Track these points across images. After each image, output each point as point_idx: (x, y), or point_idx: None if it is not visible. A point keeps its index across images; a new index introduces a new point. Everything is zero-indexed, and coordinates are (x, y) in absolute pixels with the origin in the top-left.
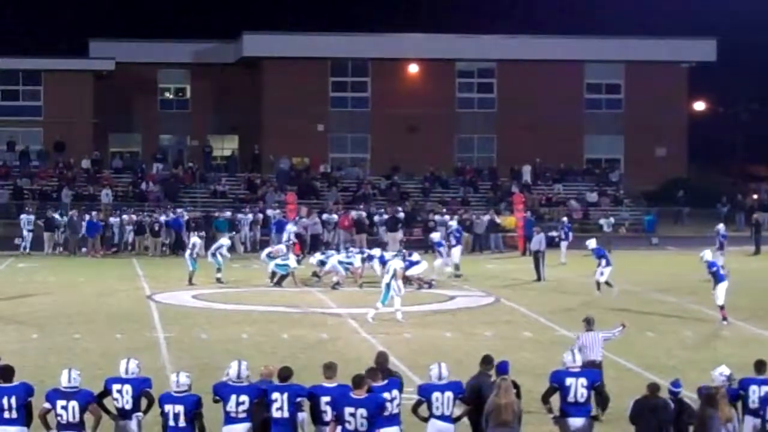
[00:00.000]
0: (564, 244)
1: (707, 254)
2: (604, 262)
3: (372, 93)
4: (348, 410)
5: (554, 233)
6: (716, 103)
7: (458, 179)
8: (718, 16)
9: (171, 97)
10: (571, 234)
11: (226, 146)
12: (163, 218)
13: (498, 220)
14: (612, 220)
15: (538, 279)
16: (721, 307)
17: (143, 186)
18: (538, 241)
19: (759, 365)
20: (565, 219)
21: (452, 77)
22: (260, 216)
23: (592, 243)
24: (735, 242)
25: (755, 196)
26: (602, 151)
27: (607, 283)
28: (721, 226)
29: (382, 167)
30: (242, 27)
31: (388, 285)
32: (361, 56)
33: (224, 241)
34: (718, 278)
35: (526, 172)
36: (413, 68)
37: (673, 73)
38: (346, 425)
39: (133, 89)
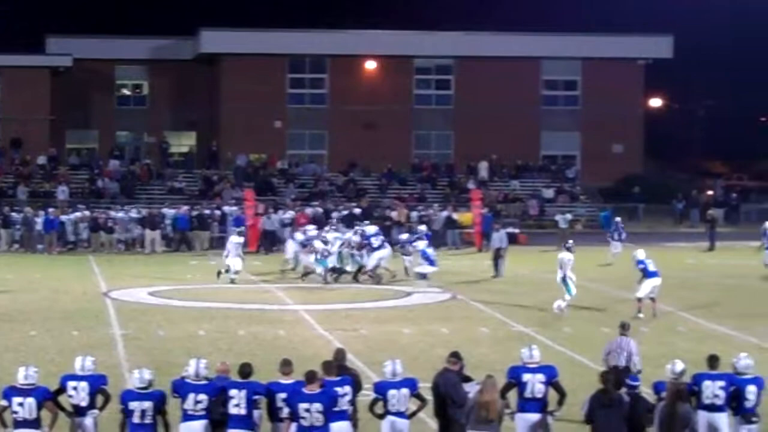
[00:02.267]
0: (618, 244)
1: (640, 254)
2: (427, 263)
3: (330, 89)
4: (302, 406)
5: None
6: (672, 99)
7: (415, 175)
8: (674, 12)
9: (128, 93)
10: (624, 233)
11: (183, 143)
12: (120, 215)
13: (455, 216)
14: (568, 216)
15: (496, 275)
16: (639, 299)
17: (100, 183)
18: (499, 238)
19: (712, 360)
20: (618, 219)
21: (410, 74)
22: (217, 213)
23: (421, 245)
24: (690, 238)
25: (710, 193)
26: (559, 147)
27: (419, 274)
28: None
29: (339, 164)
30: (200, 23)
31: (564, 278)
32: (319, 53)
33: (235, 238)
34: (647, 274)
35: (483, 168)
36: (371, 65)
37: (629, 69)
38: (301, 421)
39: (90, 86)
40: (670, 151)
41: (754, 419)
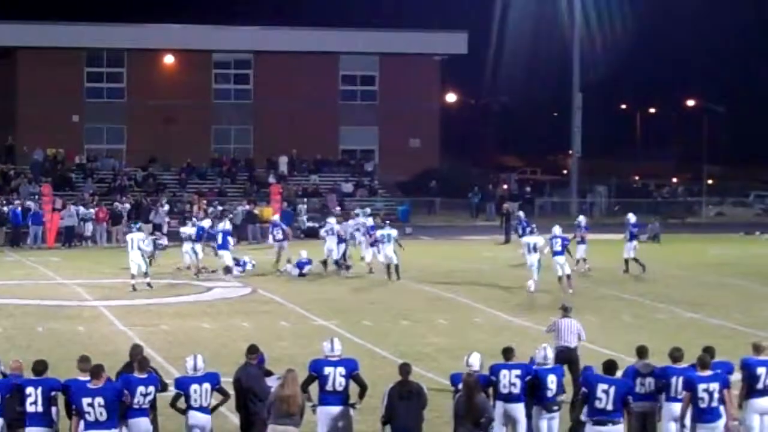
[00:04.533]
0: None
1: (555, 230)
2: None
3: (128, 83)
4: (85, 401)
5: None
6: (467, 95)
7: (215, 170)
8: (468, 9)
9: None
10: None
11: None
12: None
13: (255, 210)
14: (367, 210)
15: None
16: (568, 277)
17: None
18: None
19: (506, 352)
20: (521, 213)
21: (209, 68)
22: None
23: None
24: (486, 232)
25: (505, 186)
26: (357, 142)
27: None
28: (581, 219)
29: (138, 158)
30: None
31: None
32: (117, 46)
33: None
34: (553, 253)
35: (283, 163)
36: (169, 59)
37: (425, 65)
38: (86, 416)
39: None
40: (465, 145)
41: (554, 408)
